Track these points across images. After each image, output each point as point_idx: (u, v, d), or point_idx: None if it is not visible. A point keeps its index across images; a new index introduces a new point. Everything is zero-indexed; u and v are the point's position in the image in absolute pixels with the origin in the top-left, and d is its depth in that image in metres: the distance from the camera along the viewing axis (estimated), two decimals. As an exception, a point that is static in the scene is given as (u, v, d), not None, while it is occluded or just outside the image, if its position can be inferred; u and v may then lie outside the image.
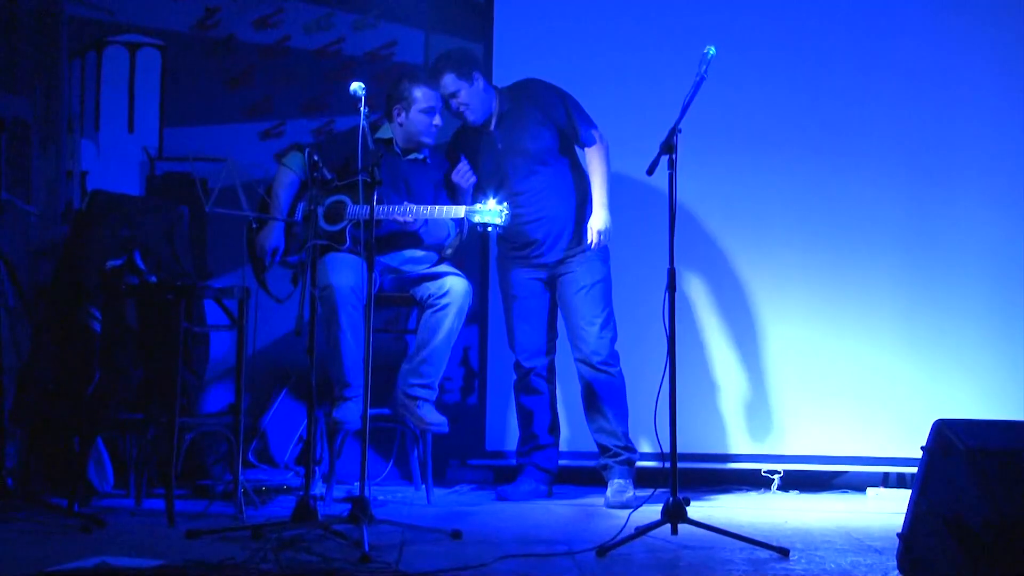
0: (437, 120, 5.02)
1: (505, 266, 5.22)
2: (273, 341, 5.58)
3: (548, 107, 5.06)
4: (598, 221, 4.96)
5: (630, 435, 5.08)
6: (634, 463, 5.07)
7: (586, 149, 5.05)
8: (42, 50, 5.46)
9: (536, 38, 5.66)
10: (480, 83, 5.05)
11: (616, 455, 5.04)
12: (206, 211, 4.38)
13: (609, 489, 5.00)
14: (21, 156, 5.28)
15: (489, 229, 4.87)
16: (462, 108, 5.04)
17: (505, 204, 4.79)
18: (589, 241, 4.96)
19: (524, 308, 5.15)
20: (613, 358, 5.06)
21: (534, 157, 5.05)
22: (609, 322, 5.08)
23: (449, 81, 5.00)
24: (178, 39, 6.03)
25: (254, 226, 4.91)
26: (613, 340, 5.07)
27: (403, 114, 5.02)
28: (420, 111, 5.00)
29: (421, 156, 5.10)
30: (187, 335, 4.62)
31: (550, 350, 5.20)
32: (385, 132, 5.09)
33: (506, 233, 5.11)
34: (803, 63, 5.61)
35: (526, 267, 5.14)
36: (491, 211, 4.76)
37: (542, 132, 5.05)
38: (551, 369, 5.22)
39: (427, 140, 5.06)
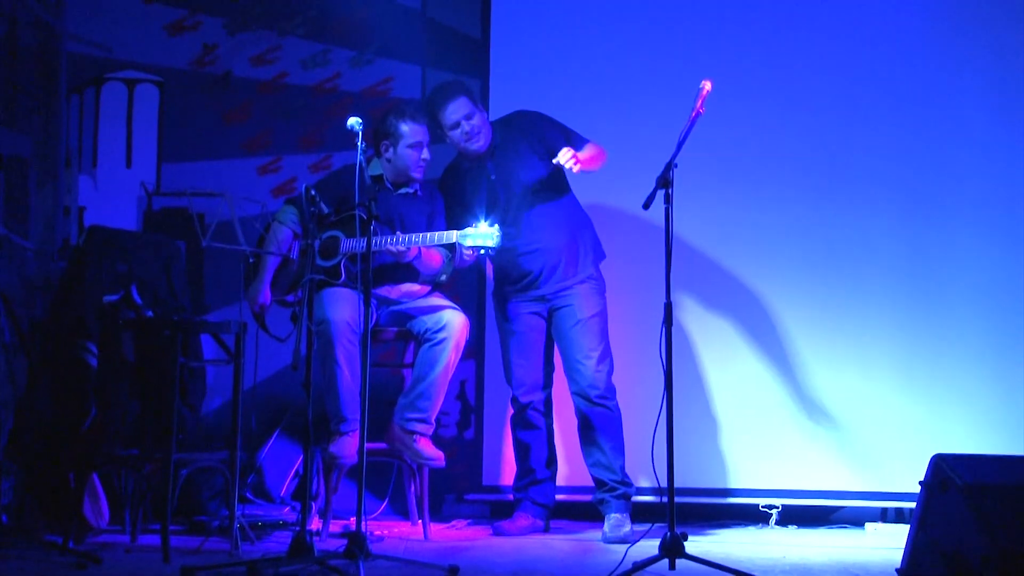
0: (425, 154, 5.04)
1: (501, 300, 5.21)
2: (270, 376, 5.57)
3: (542, 133, 5.05)
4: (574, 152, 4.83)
5: (627, 469, 5.07)
6: (631, 497, 5.05)
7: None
8: (41, 86, 5.49)
9: (532, 73, 5.70)
10: (485, 109, 5.08)
11: (612, 489, 5.02)
12: (203, 246, 4.39)
13: (606, 524, 4.99)
14: (19, 191, 5.29)
15: (482, 252, 4.87)
16: (473, 133, 5.01)
17: (496, 226, 4.78)
18: (562, 159, 4.80)
19: (521, 342, 5.15)
20: (610, 391, 5.06)
21: (528, 188, 5.05)
22: (606, 356, 5.06)
23: (463, 104, 4.99)
24: (176, 75, 6.07)
25: (251, 260, 4.91)
26: (610, 373, 5.06)
27: (391, 150, 5.04)
28: (408, 146, 5.02)
29: (411, 190, 5.12)
30: (183, 370, 4.62)
31: (547, 384, 5.20)
32: (375, 168, 5.10)
33: (501, 266, 5.12)
34: (798, 92, 5.62)
35: (522, 300, 5.13)
36: (483, 234, 4.76)
37: (535, 162, 5.05)
38: (548, 403, 5.21)
39: (416, 175, 5.08)
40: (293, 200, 5.12)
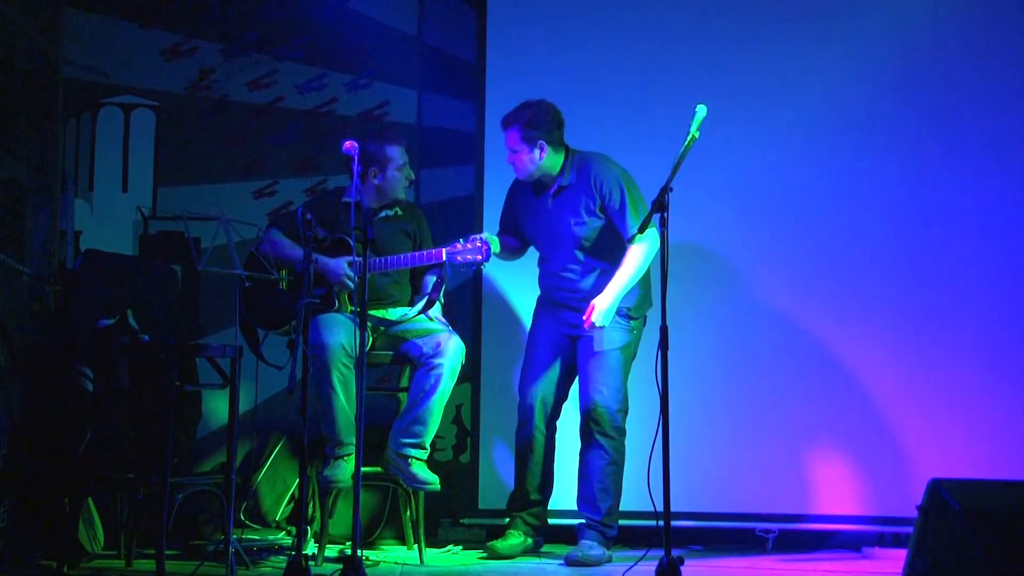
0: (410, 174, 5.13)
1: (540, 311, 5.23)
2: (266, 399, 5.56)
3: (606, 195, 4.99)
4: (603, 302, 4.87)
5: (617, 513, 5.03)
6: (610, 538, 5.02)
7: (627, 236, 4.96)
8: (37, 111, 5.49)
9: (528, 97, 5.69)
10: (541, 151, 5.02)
11: (591, 527, 5.00)
12: (199, 270, 4.39)
13: (576, 547, 4.96)
14: (15, 216, 5.29)
15: (473, 268, 4.88)
16: (511, 160, 5.08)
17: (487, 235, 4.81)
18: (584, 317, 4.89)
19: (542, 351, 5.14)
20: (616, 432, 4.99)
21: (575, 242, 5.03)
22: (618, 392, 4.99)
23: (509, 137, 5.07)
24: (172, 100, 6.08)
25: (247, 285, 4.91)
26: (618, 411, 4.99)
27: (380, 175, 5.06)
28: (397, 169, 5.06)
29: (392, 213, 5.15)
30: (179, 394, 4.61)
31: (555, 412, 5.16)
32: (348, 195, 5.08)
33: (549, 290, 5.16)
34: (795, 118, 5.63)
35: (556, 321, 5.13)
36: (471, 249, 4.77)
37: (592, 220, 5.02)
38: (552, 428, 5.17)
39: (402, 196, 5.15)
40: (276, 219, 5.14)
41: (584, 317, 4.90)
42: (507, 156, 5.09)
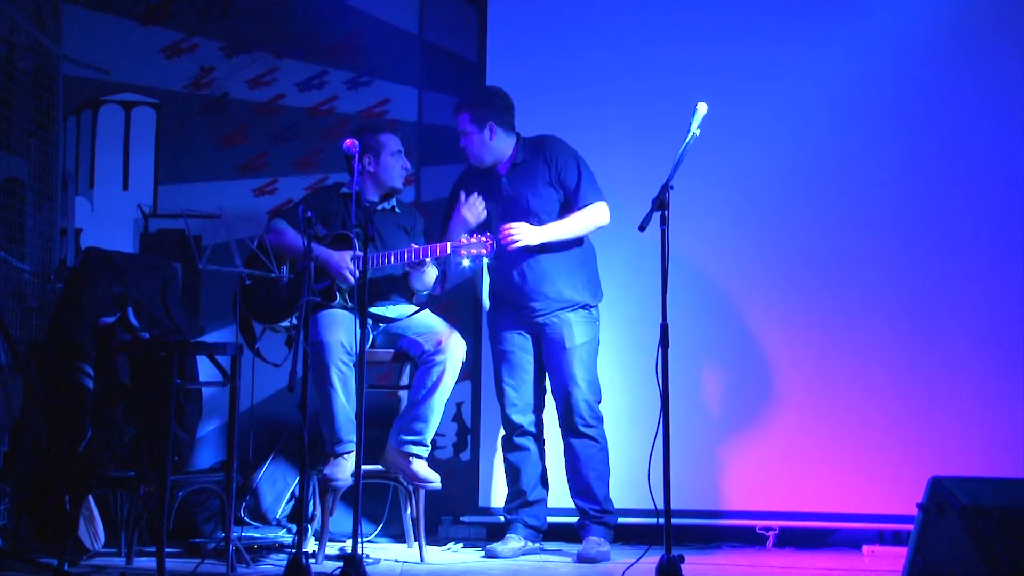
0: (406, 163, 5.14)
1: (495, 320, 5.22)
2: (266, 397, 5.56)
3: (561, 168, 5.07)
4: (533, 232, 4.92)
5: (611, 497, 5.06)
6: (612, 525, 5.05)
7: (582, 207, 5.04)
8: (38, 109, 5.50)
9: (528, 95, 5.68)
10: (491, 132, 5.06)
11: (594, 518, 5.02)
12: (199, 267, 4.39)
13: (583, 544, 4.98)
14: (16, 214, 5.30)
15: (479, 261, 4.86)
16: (463, 144, 5.10)
17: (489, 234, 4.81)
18: (505, 227, 4.91)
19: (512, 363, 5.14)
20: (596, 420, 5.05)
21: (534, 215, 5.05)
22: (594, 384, 5.06)
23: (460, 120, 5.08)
24: (173, 97, 6.08)
25: (248, 283, 4.91)
26: (597, 402, 5.06)
27: (374, 162, 5.07)
28: (391, 154, 5.09)
29: (389, 206, 5.14)
30: (179, 392, 4.61)
31: (538, 406, 5.18)
32: (348, 187, 5.09)
33: (496, 282, 5.14)
34: (795, 109, 5.62)
35: (516, 321, 5.13)
36: (477, 243, 4.77)
37: (548, 192, 5.07)
38: (539, 425, 5.19)
39: (398, 185, 5.15)
40: (281, 213, 5.14)
41: (505, 227, 4.90)
42: (459, 141, 5.11)
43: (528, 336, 5.14)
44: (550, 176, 5.07)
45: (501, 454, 5.26)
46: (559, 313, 5.06)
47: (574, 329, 5.04)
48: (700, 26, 5.75)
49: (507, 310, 5.15)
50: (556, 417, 5.14)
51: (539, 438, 5.19)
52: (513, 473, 5.17)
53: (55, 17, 5.69)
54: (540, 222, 5.03)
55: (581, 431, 5.02)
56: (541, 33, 5.82)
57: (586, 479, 5.03)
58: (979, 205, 5.54)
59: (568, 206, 5.07)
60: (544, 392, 5.20)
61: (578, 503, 5.08)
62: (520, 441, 5.14)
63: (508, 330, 5.15)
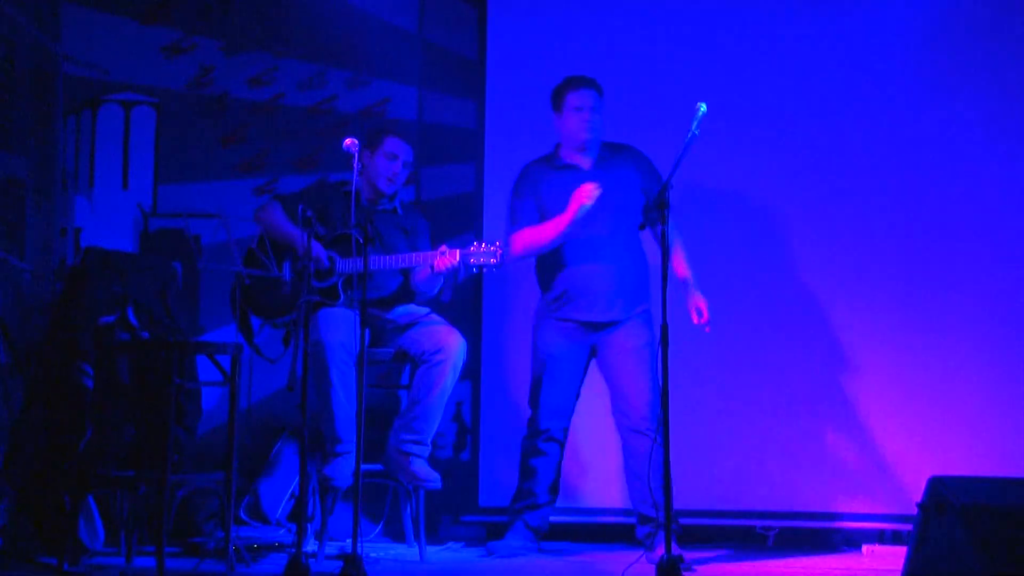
0: (396, 169, 5.03)
1: (546, 324, 5.08)
2: (266, 397, 5.57)
3: (648, 178, 5.01)
4: (703, 300, 4.88)
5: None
6: (680, 532, 4.92)
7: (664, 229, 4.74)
8: (38, 108, 5.50)
9: (529, 94, 5.69)
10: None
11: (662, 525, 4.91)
12: (199, 267, 4.39)
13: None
14: (15, 213, 5.30)
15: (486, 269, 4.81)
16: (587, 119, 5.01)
17: (499, 243, 4.73)
18: (697, 321, 4.86)
19: (558, 370, 5.02)
20: (659, 424, 4.96)
21: (623, 212, 4.94)
22: (656, 387, 4.90)
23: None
24: (173, 97, 6.08)
25: (247, 282, 4.90)
26: (658, 405, 4.90)
27: (368, 157, 5.02)
28: (385, 155, 5.02)
29: (390, 207, 5.12)
30: (179, 391, 4.61)
31: (571, 413, 5.09)
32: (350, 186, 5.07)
33: (562, 281, 5.02)
34: (795, 109, 5.64)
35: (569, 325, 5.02)
36: (486, 252, 4.74)
37: (638, 194, 4.99)
38: (566, 431, 5.10)
39: (382, 187, 5.05)
40: (282, 198, 5.09)
41: (698, 322, 4.86)
42: (576, 117, 4.99)
43: (581, 343, 5.02)
44: (640, 180, 5.00)
45: (519, 453, 5.13)
46: (620, 320, 4.97)
47: (636, 330, 4.97)
48: (700, 26, 5.75)
49: (562, 315, 5.01)
50: (578, 417, 5.06)
51: (563, 443, 5.10)
52: (530, 474, 5.08)
53: (55, 16, 5.69)
54: (628, 220, 4.90)
55: (647, 434, 4.85)
56: (541, 33, 5.82)
57: (651, 484, 4.70)
58: (979, 205, 5.55)
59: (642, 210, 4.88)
60: (579, 399, 5.11)
61: (641, 510, 4.92)
62: (545, 446, 5.05)
63: (559, 336, 5.02)
